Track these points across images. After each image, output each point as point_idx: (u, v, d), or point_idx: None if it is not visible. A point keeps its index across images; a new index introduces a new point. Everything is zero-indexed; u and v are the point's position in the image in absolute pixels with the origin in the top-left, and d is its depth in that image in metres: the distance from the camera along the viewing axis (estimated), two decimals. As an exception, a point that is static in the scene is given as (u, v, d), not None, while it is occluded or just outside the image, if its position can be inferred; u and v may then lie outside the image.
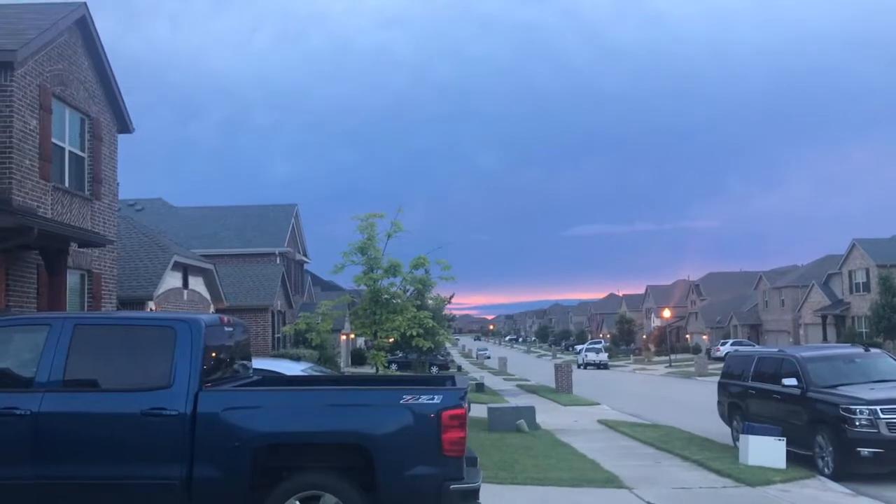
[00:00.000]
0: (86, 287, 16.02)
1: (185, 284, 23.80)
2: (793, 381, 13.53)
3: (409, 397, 6.33)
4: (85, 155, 16.11)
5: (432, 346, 17.04)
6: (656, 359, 74.15)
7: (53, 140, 14.60)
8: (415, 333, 15.44)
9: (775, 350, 16.46)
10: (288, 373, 10.14)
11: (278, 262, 35.03)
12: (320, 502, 6.20)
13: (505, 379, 50.89)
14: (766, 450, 12.62)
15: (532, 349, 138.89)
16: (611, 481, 11.34)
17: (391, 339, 19.56)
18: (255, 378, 7.94)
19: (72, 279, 15.46)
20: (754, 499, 10.30)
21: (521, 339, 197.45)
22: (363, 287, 15.54)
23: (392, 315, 14.97)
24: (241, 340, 7.85)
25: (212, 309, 26.36)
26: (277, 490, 6.21)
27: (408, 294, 19.29)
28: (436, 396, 6.33)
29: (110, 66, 16.77)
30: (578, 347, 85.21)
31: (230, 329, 7.43)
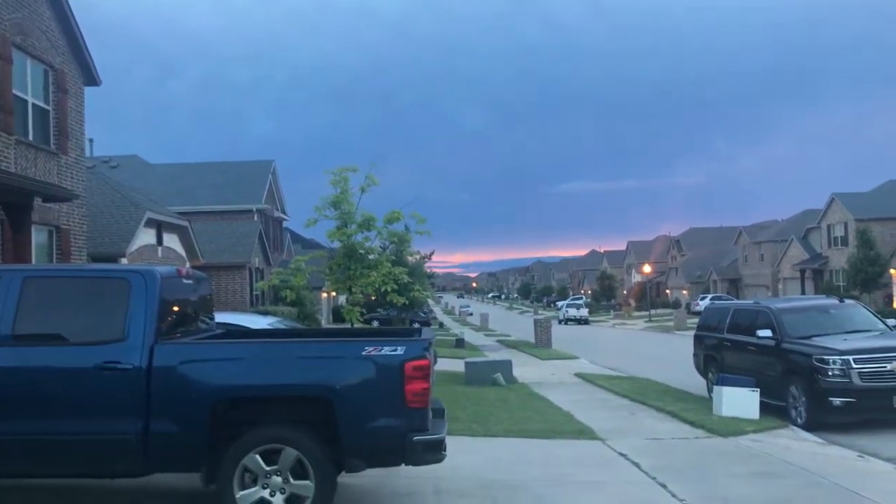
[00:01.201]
0: (54, 243, 15.71)
1: (160, 241, 23.47)
2: (767, 333, 13.54)
3: (371, 349, 6.18)
4: (50, 108, 15.68)
5: (406, 301, 16.89)
6: (636, 314, 74.75)
7: (15, 91, 14.18)
8: (389, 289, 15.28)
9: (751, 302, 16.49)
10: (254, 327, 9.97)
11: (256, 218, 34.66)
12: (281, 456, 6.07)
13: (486, 335, 51.10)
14: (740, 401, 12.66)
15: (514, 306, 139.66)
16: (584, 433, 11.33)
17: (372, 297, 19.33)
18: (218, 332, 7.77)
19: (39, 236, 15.15)
20: (726, 448, 10.31)
21: (503, 297, 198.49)
22: (337, 243, 15.31)
23: (367, 270, 14.77)
24: (202, 293, 7.65)
25: (187, 266, 26.07)
26: (237, 444, 6.07)
27: (386, 250, 19.10)
28: (399, 348, 6.19)
29: (74, 16, 16.26)
30: (560, 304, 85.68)
31: (189, 281, 7.22)
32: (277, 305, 29.52)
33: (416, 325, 53.14)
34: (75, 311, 6.51)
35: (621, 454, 9.77)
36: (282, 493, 6.09)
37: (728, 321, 15.54)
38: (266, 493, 6.09)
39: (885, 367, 11.97)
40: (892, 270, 45.93)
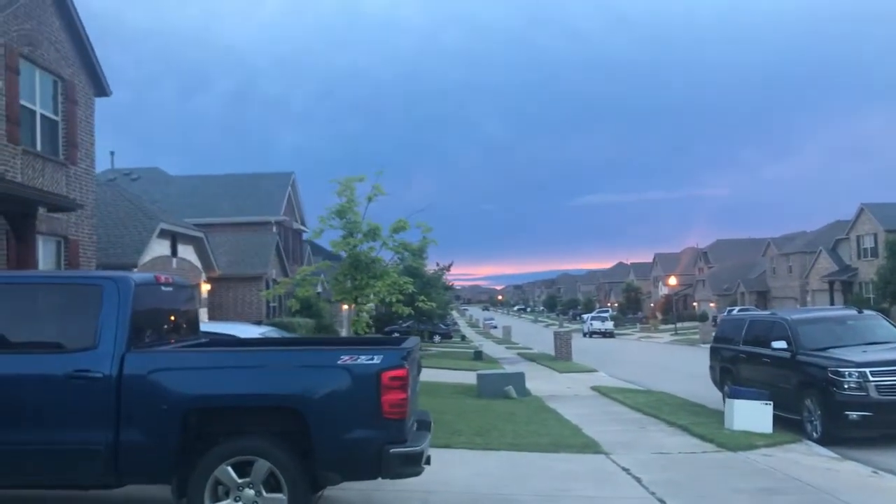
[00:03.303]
0: (62, 254, 15.72)
1: (174, 252, 23.52)
2: (782, 345, 13.17)
3: (346, 358, 5.97)
4: (58, 118, 15.73)
5: (412, 312, 16.64)
6: (663, 327, 73.80)
7: (22, 102, 14.23)
8: (394, 300, 15.08)
9: (767, 313, 16.10)
10: (244, 336, 9.80)
11: (274, 230, 34.66)
12: (253, 468, 5.88)
13: (507, 347, 50.69)
14: (752, 414, 12.28)
15: (539, 319, 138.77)
16: (589, 446, 11.02)
17: (377, 308, 19.05)
18: (201, 341, 7.60)
19: (47, 246, 15.18)
20: (733, 463, 9.96)
21: (528, 309, 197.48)
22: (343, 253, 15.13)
23: (373, 280, 14.59)
24: (184, 301, 7.49)
25: (203, 277, 26.11)
26: (208, 456, 5.88)
27: (400, 262, 18.89)
28: (376, 357, 5.98)
29: (83, 27, 16.33)
30: (585, 316, 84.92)
31: (169, 289, 7.06)
32: (294, 317, 29.43)
33: (437, 338, 53.04)
34: (46, 317, 6.39)
35: (624, 469, 9.47)
36: (254, 506, 5.89)
37: (744, 333, 15.15)
38: (238, 507, 5.89)
39: (903, 380, 11.54)
40: (922, 282, 44.85)
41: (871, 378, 11.52)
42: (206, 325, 9.22)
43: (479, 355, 35.58)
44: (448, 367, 28.96)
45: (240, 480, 5.88)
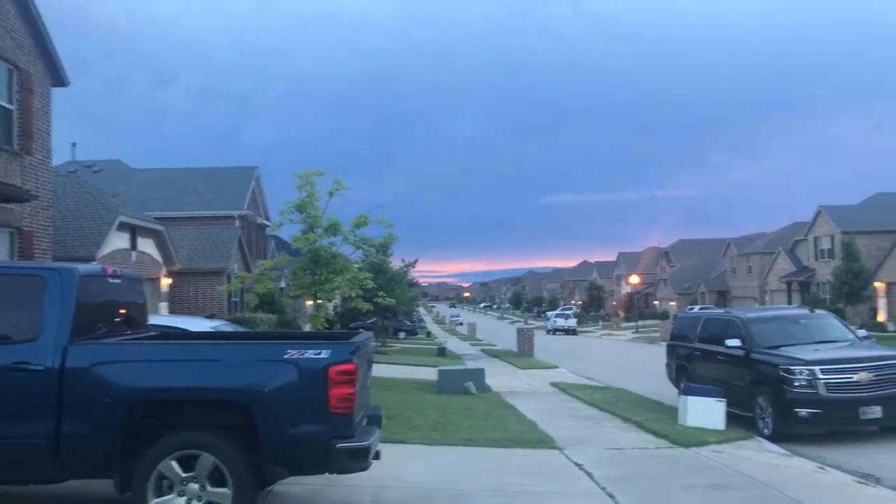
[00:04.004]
0: (15, 245, 15.42)
1: (134, 246, 23.19)
2: (736, 343, 13.37)
3: (294, 352, 5.94)
4: (13, 107, 15.40)
5: (371, 308, 16.56)
6: (624, 325, 74.48)
7: (-26, 90, 13.92)
8: (354, 295, 15.02)
9: (721, 311, 16.33)
10: (195, 329, 9.70)
11: (238, 224, 34.32)
12: (198, 462, 5.83)
13: (472, 344, 50.83)
14: (705, 411, 12.43)
15: (505, 316, 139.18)
16: (543, 442, 11.09)
17: (355, 302, 18.92)
18: (151, 334, 7.51)
19: (0, 237, 14.87)
20: (684, 459, 10.08)
21: (495, 306, 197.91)
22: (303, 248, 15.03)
23: (332, 275, 14.51)
24: (133, 294, 7.40)
25: (163, 271, 25.79)
26: (152, 450, 5.82)
27: (358, 256, 18.79)
28: (323, 351, 5.95)
29: (40, 16, 15.99)
30: (549, 314, 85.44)
31: (117, 281, 6.96)
32: (256, 312, 29.17)
33: (402, 334, 52.97)
34: (-13, 308, 6.26)
35: (577, 464, 9.53)
36: (198, 500, 5.85)
37: (699, 331, 15.34)
38: (182, 501, 5.84)
39: (851, 377, 11.79)
40: (876, 284, 45.80)
41: (820, 376, 11.73)
42: (157, 319, 9.11)
43: (442, 352, 35.67)
44: (411, 363, 28.97)
45: (184, 475, 5.83)
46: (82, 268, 6.43)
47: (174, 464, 5.82)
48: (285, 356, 5.93)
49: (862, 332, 14.51)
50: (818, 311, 15.11)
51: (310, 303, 16.87)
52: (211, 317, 16.43)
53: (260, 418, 5.80)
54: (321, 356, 5.92)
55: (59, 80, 17.13)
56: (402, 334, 54.48)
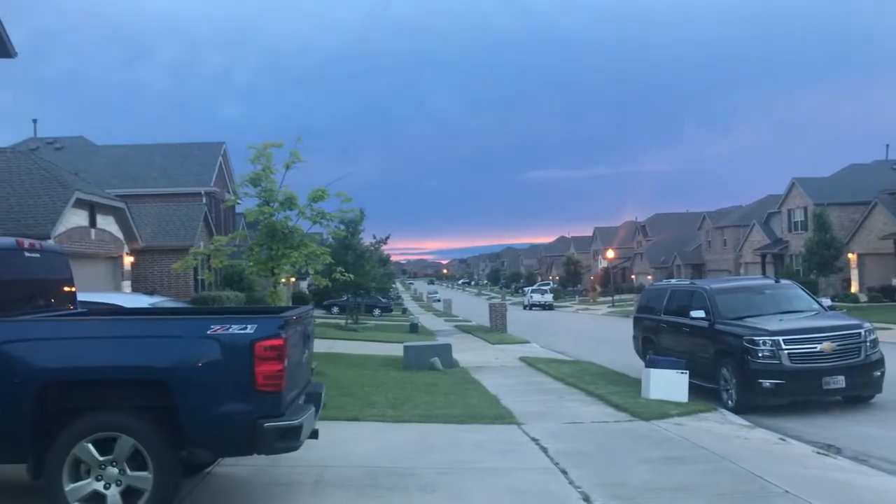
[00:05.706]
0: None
1: (93, 223, 22.60)
2: (701, 314, 13.19)
3: (217, 328, 5.60)
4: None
5: (329, 284, 16.18)
6: (601, 299, 74.65)
7: (-90, 61, 13.33)
8: (312, 270, 14.62)
9: (687, 283, 16.15)
10: (130, 305, 9.31)
11: (204, 201, 33.68)
12: (116, 444, 5.49)
13: (447, 320, 50.63)
14: (668, 383, 12.24)
15: (483, 292, 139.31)
16: (502, 417, 10.84)
17: (314, 278, 18.54)
18: (77, 311, 7.13)
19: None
20: (644, 432, 9.87)
21: (473, 283, 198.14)
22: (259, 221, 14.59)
23: (289, 251, 14.11)
24: (55, 269, 7.00)
25: (125, 249, 25.24)
26: (66, 432, 5.47)
27: (322, 232, 18.37)
28: (249, 326, 5.61)
29: (-18, -17, 15.39)
30: (526, 289, 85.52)
31: (35, 255, 6.57)
32: (224, 290, 28.68)
33: (377, 311, 52.67)
34: None
35: (533, 439, 9.30)
36: (117, 485, 5.52)
37: (665, 302, 15.16)
38: (100, 486, 5.51)
39: (815, 347, 11.64)
40: (849, 255, 46.00)
41: (784, 346, 11.59)
42: (88, 295, 8.71)
43: (414, 328, 35.40)
44: (381, 339, 28.69)
45: (101, 458, 5.49)
46: (-8, 241, 6.03)
47: (90, 447, 5.48)
48: (208, 332, 5.59)
49: (827, 302, 14.39)
50: (783, 282, 14.96)
51: (283, 280, 16.50)
52: (152, 293, 15.99)
53: (180, 397, 5.46)
54: (246, 331, 5.58)
55: (6, 51, 16.52)
56: (377, 311, 54.22)
